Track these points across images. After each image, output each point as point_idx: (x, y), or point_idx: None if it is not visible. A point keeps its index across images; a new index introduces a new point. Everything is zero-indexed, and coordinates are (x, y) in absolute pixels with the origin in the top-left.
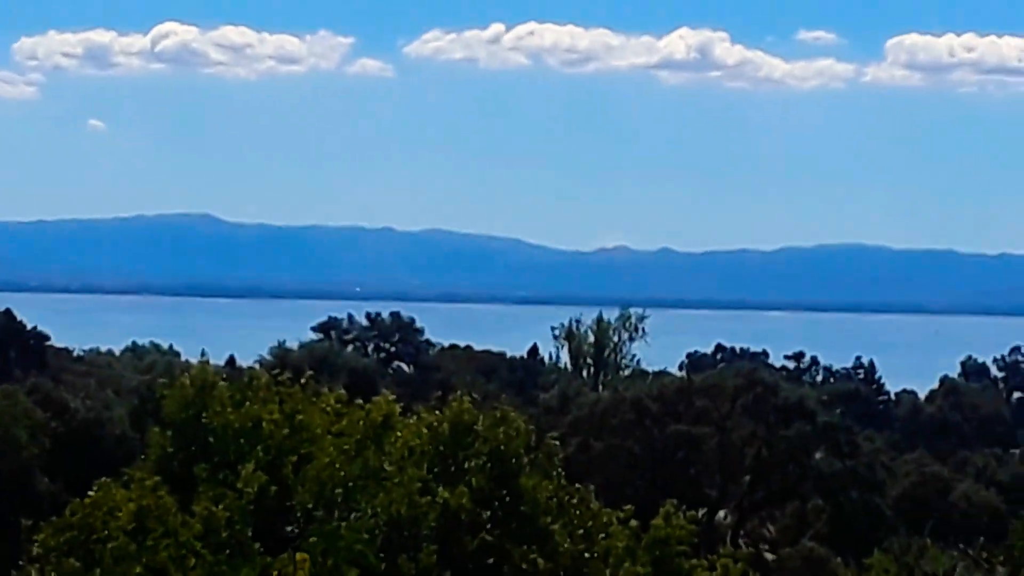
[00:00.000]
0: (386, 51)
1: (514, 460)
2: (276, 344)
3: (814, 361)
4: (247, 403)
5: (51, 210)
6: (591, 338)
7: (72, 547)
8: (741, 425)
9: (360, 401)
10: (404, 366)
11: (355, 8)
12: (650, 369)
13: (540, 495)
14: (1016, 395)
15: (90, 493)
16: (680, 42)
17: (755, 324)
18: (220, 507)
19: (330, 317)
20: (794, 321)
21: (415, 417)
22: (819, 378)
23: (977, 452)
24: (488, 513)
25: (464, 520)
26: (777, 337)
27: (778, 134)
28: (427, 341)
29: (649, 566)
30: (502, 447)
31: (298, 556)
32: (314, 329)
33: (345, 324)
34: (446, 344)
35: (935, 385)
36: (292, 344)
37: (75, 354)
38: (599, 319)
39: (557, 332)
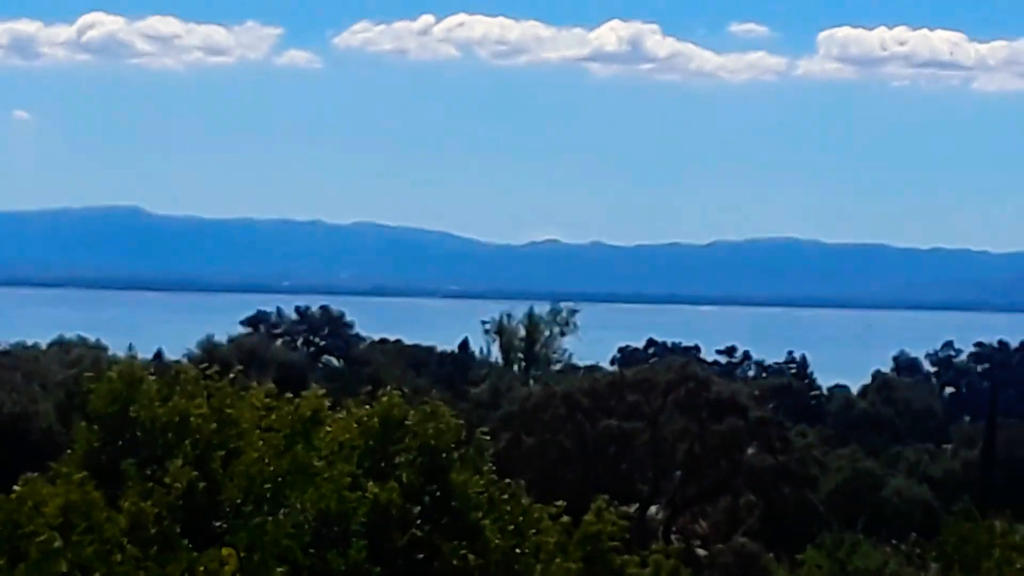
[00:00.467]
0: (315, 42)
1: (444, 455)
2: (204, 338)
3: (746, 356)
4: (175, 397)
5: None
6: (522, 332)
7: None
8: (673, 420)
9: (289, 395)
10: (334, 360)
11: None
12: (581, 363)
13: (470, 490)
14: (948, 390)
15: (16, 488)
16: (611, 34)
17: (687, 318)
18: (148, 502)
19: (259, 311)
20: (726, 315)
21: (344, 412)
22: (751, 373)
23: (910, 447)
24: (418, 508)
25: (394, 515)
26: (709, 331)
27: (710, 127)
28: (357, 335)
29: (580, 562)
30: (432, 442)
31: (224, 551)
32: (243, 323)
33: (274, 318)
34: (376, 338)
35: (867, 380)
36: (220, 338)
37: (0, 348)
38: (530, 313)
39: (488, 326)
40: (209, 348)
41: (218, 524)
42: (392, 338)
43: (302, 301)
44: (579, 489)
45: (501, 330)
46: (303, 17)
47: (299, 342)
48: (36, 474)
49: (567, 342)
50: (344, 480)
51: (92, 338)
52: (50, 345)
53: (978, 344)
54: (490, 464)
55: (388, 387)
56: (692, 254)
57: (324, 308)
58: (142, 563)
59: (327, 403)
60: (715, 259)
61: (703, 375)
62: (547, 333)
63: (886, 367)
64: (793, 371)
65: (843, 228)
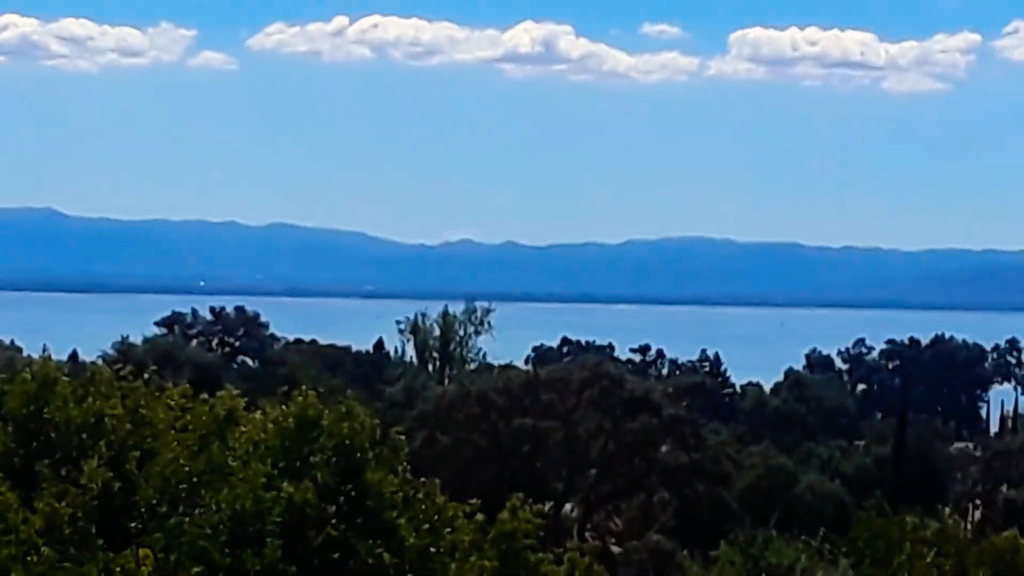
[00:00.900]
0: (229, 44)
1: (359, 454)
2: (119, 339)
3: (660, 354)
4: (89, 398)
5: None
6: (437, 332)
7: None
8: (587, 418)
9: (204, 396)
10: (249, 361)
11: (197, 1)
12: (496, 363)
13: (386, 489)
14: (860, 387)
15: None
16: (524, 35)
17: (601, 317)
18: (63, 503)
19: (174, 312)
20: (640, 314)
21: (260, 412)
22: (665, 371)
23: (822, 444)
24: (333, 508)
25: (309, 515)
26: (623, 330)
27: (623, 127)
28: (272, 335)
29: (495, 560)
30: (347, 441)
31: (141, 552)
32: (158, 324)
33: (189, 319)
34: (291, 338)
35: (780, 377)
36: (135, 339)
37: None
38: (445, 313)
39: (402, 326)
40: (124, 349)
41: (134, 524)
42: (307, 338)
43: (217, 302)
44: (494, 488)
45: (416, 330)
46: (217, 19)
47: (214, 343)
48: None
49: (482, 341)
50: (259, 480)
51: (7, 339)
52: None
53: (889, 341)
54: (405, 463)
55: (303, 387)
56: (605, 253)
57: (239, 309)
58: (58, 564)
59: (242, 403)
60: (628, 258)
61: (617, 373)
62: (462, 332)
63: (798, 365)
64: (706, 369)
65: (755, 227)
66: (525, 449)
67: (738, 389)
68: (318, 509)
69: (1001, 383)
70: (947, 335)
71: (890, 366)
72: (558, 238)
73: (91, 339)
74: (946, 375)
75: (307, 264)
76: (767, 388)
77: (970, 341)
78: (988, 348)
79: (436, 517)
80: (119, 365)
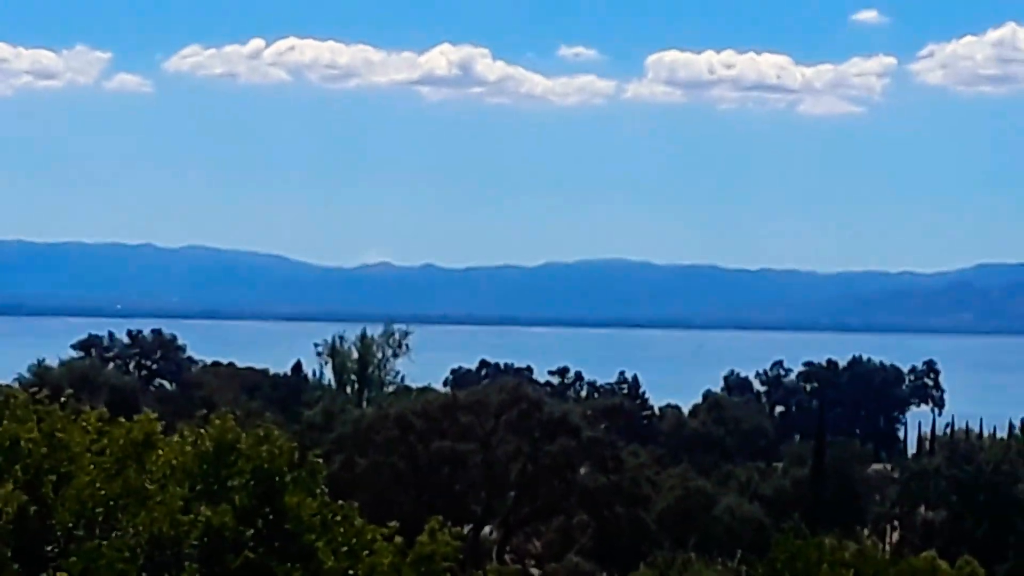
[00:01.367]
0: (145, 66)
1: (277, 478)
2: (35, 362)
3: (578, 376)
4: (5, 422)
5: None
6: (355, 355)
7: None
8: (506, 441)
9: (121, 419)
10: (166, 383)
11: (113, 23)
12: (414, 385)
13: (304, 512)
14: (778, 409)
15: None
16: (441, 58)
17: (519, 339)
18: None
19: (91, 335)
20: (558, 336)
21: (177, 435)
22: (583, 393)
23: (740, 466)
24: (251, 531)
25: (227, 538)
26: (541, 352)
27: (540, 150)
28: (189, 358)
29: None
30: (265, 465)
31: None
32: (74, 347)
33: (106, 342)
34: (209, 361)
35: (698, 399)
36: (52, 362)
37: None
38: (363, 335)
39: (321, 349)
40: (40, 372)
41: (50, 548)
42: (225, 361)
43: (134, 325)
44: (413, 510)
45: (334, 352)
46: (133, 41)
47: (131, 366)
48: None
49: (400, 364)
50: (177, 503)
51: None
52: None
53: (807, 364)
54: (323, 486)
55: (221, 410)
56: (523, 276)
57: (156, 332)
58: None
59: (159, 427)
60: (546, 280)
61: (535, 396)
62: (380, 355)
63: (717, 387)
64: (625, 391)
65: (673, 249)
66: (444, 472)
67: (656, 411)
68: (236, 532)
69: (918, 405)
70: (864, 357)
71: (808, 388)
72: (476, 261)
73: (6, 362)
74: (864, 397)
75: (224, 286)
76: (685, 410)
77: (887, 363)
78: (905, 370)
79: (354, 540)
80: (35, 388)
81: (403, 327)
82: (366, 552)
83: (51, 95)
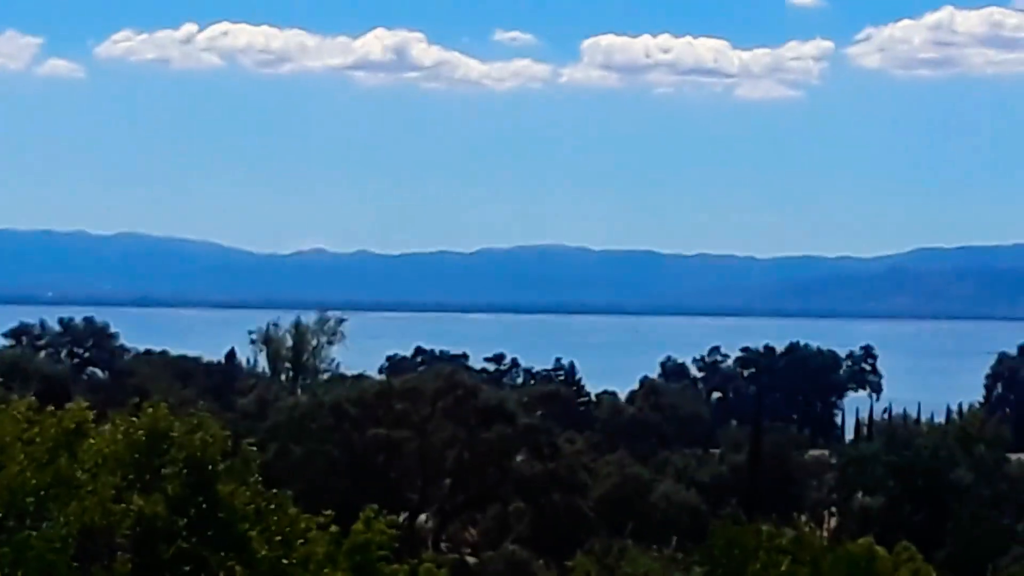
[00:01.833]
0: (76, 52)
1: (210, 467)
2: None
3: (514, 363)
4: None
5: None
6: (289, 342)
7: None
8: (441, 428)
9: (52, 408)
10: (98, 372)
11: (43, 8)
12: (349, 373)
13: (237, 501)
14: (715, 395)
15: None
16: (376, 43)
17: (454, 326)
18: None
19: (21, 323)
20: (494, 323)
21: (109, 424)
22: (519, 380)
23: (677, 452)
24: (184, 520)
25: (160, 528)
26: (477, 339)
27: (476, 135)
28: (122, 346)
29: (349, 572)
30: (198, 454)
31: None
32: (5, 335)
33: (37, 330)
34: (141, 349)
35: (635, 386)
36: None
37: None
38: (297, 323)
39: (254, 336)
40: None
41: None
42: (158, 349)
43: (65, 312)
44: (348, 498)
45: (268, 340)
46: (64, 26)
47: (63, 354)
48: None
49: (334, 351)
50: (108, 493)
51: None
52: None
53: (744, 349)
54: (257, 475)
55: (154, 399)
56: (459, 262)
57: (88, 319)
58: None
59: (91, 415)
60: (482, 267)
61: (471, 383)
62: (314, 342)
63: (653, 373)
64: (561, 378)
65: (610, 235)
66: (379, 459)
67: (593, 398)
68: (169, 522)
69: (856, 390)
70: (802, 343)
71: (745, 374)
72: (411, 247)
73: None
74: (801, 383)
75: (157, 274)
76: (622, 396)
77: (824, 348)
78: (843, 355)
79: (288, 529)
80: None
81: (338, 314)
82: (300, 541)
83: None
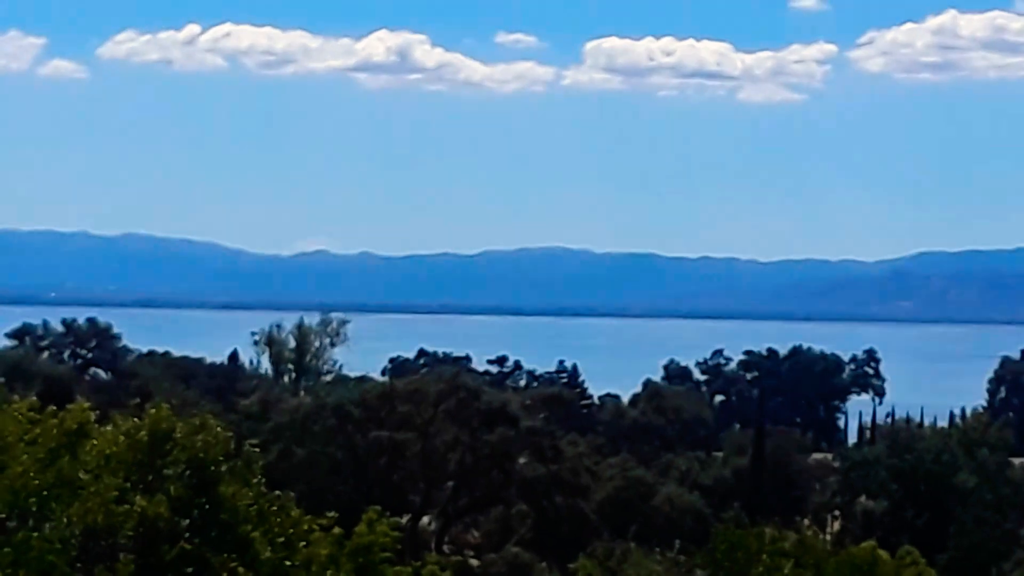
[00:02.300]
0: (79, 52)
1: (213, 468)
2: None
3: (517, 365)
4: None
5: None
6: (292, 343)
7: None
8: (444, 430)
9: (55, 408)
10: (101, 372)
11: (46, 8)
12: (352, 374)
13: (240, 503)
14: (718, 398)
15: None
16: (379, 44)
17: (457, 328)
18: None
19: (24, 323)
20: (497, 325)
21: (112, 425)
22: (522, 382)
23: (680, 455)
24: (187, 521)
25: (162, 529)
26: (480, 341)
27: (479, 137)
28: (124, 347)
29: (352, 574)
30: (201, 455)
31: None
32: (8, 335)
33: (40, 330)
34: (144, 350)
35: (638, 389)
36: None
37: None
38: (300, 324)
39: (257, 337)
40: None
41: None
42: (160, 350)
43: (69, 313)
44: (351, 500)
45: (271, 341)
46: (67, 27)
47: (66, 355)
48: None
49: (337, 353)
50: (111, 494)
51: None
52: None
53: (747, 352)
54: (260, 476)
55: (156, 399)
56: (462, 264)
57: (91, 320)
58: None
59: (93, 416)
60: (485, 269)
61: (474, 385)
62: (317, 344)
63: (656, 376)
64: (564, 380)
65: (613, 237)
66: (382, 461)
67: (596, 400)
68: (171, 523)
69: (859, 394)
70: (805, 346)
71: (748, 377)
72: (414, 249)
73: None
74: (804, 386)
75: (160, 275)
76: (625, 399)
77: (827, 352)
78: (845, 359)
79: (291, 530)
80: None
81: (340, 316)
82: (303, 543)
83: None
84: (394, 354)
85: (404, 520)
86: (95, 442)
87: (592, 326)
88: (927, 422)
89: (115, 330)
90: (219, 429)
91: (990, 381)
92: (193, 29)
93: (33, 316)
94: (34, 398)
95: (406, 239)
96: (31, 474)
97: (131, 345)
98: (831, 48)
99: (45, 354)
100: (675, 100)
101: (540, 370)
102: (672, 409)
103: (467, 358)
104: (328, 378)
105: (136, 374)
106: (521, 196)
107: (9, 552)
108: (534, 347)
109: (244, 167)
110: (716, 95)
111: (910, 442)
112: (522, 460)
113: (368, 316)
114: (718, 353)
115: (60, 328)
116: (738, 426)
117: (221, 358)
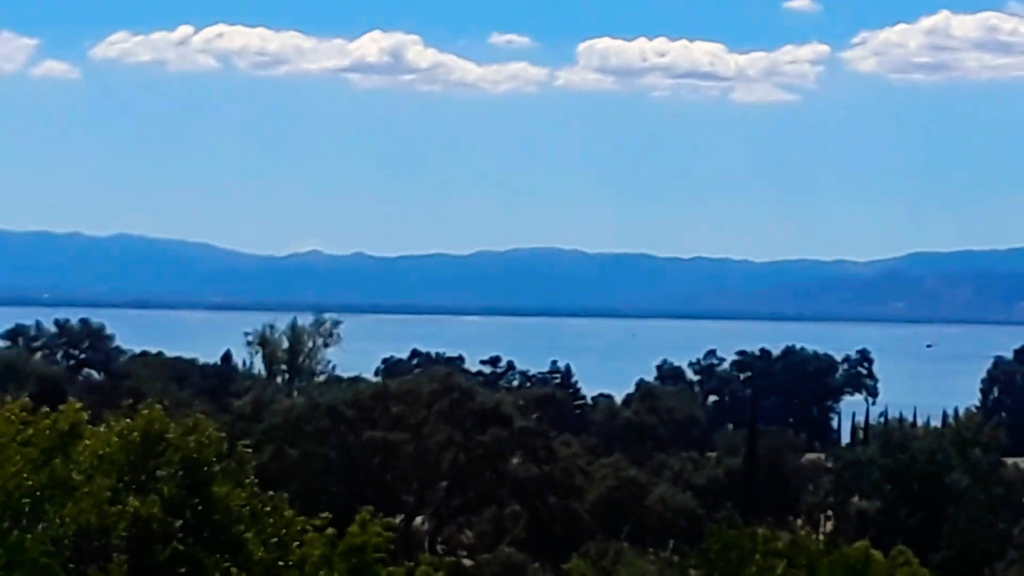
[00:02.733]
0: (72, 53)
1: (206, 468)
2: None
3: (510, 366)
4: None
5: None
6: (285, 344)
7: None
8: (437, 431)
9: (47, 409)
10: (94, 373)
11: (39, 9)
12: (345, 375)
13: (233, 503)
14: (712, 398)
15: None
16: (372, 45)
17: (450, 329)
18: None
19: (17, 324)
20: (490, 325)
21: (105, 425)
22: (515, 383)
23: (674, 455)
24: (180, 522)
25: (155, 529)
26: (473, 342)
27: (472, 137)
28: (117, 348)
29: (345, 574)
30: (194, 455)
31: None
32: (1, 336)
33: (33, 331)
34: (137, 351)
35: (631, 389)
36: None
37: None
38: (293, 325)
39: (251, 338)
40: None
41: None
42: (153, 351)
43: (61, 314)
44: (344, 501)
45: (264, 342)
46: (60, 28)
47: (59, 355)
48: None
49: (330, 353)
50: (104, 494)
51: None
52: None
53: (740, 352)
54: (253, 477)
55: (149, 400)
56: (454, 264)
57: (84, 321)
58: None
59: (86, 416)
60: (477, 269)
61: (467, 385)
62: (310, 344)
63: (650, 376)
64: (557, 381)
65: (605, 238)
66: (375, 462)
67: (589, 401)
68: (164, 523)
69: (852, 394)
70: (798, 346)
71: (741, 377)
72: (407, 249)
73: None
74: (797, 386)
75: (153, 275)
76: (618, 399)
77: (820, 352)
78: (839, 359)
79: (284, 531)
80: None
81: (333, 316)
82: (296, 543)
83: None
84: (387, 355)
85: (397, 520)
86: (88, 443)
87: (585, 326)
88: (920, 422)
89: (108, 331)
90: (212, 430)
91: (983, 381)
92: (186, 30)
93: (26, 317)
94: (27, 399)
95: (399, 240)
96: (24, 475)
97: (124, 346)
98: (824, 49)
99: (38, 355)
100: (668, 100)
101: (533, 370)
102: (665, 409)
103: (460, 358)
104: (321, 379)
105: (129, 375)
106: (514, 196)
107: (3, 553)
108: (527, 347)
109: (237, 168)
110: (709, 95)
111: (903, 442)
112: (515, 460)
113: (361, 317)
114: (711, 353)
115: (53, 329)
116: (731, 426)
117: (214, 359)
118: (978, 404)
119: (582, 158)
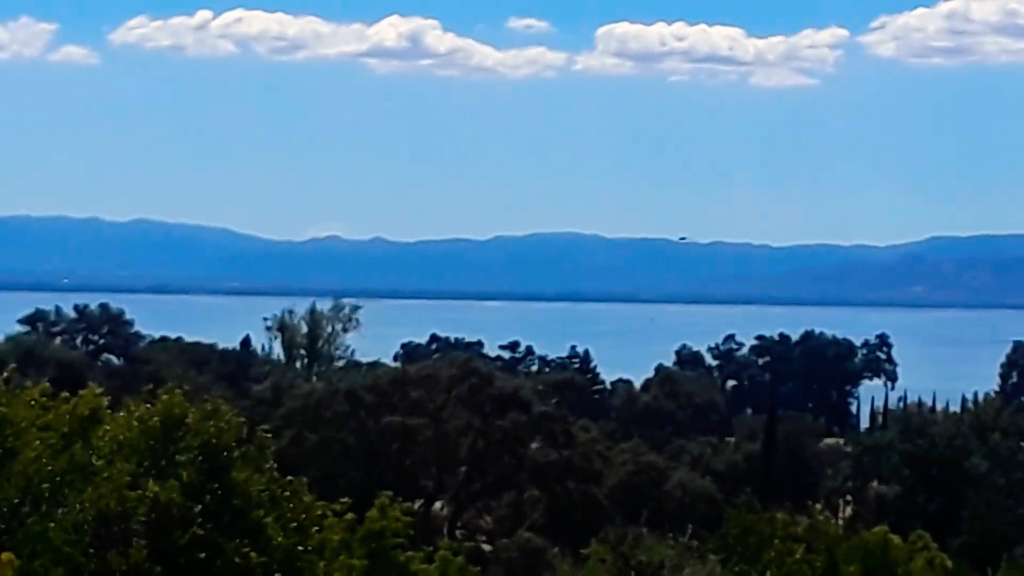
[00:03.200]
0: (91, 38)
1: (225, 453)
2: None
3: (529, 351)
4: None
5: None
6: (304, 329)
7: None
8: (456, 416)
9: (67, 394)
10: (113, 358)
11: None
12: (364, 360)
13: (252, 488)
14: (731, 383)
15: None
16: (391, 30)
17: (470, 314)
18: None
19: (37, 309)
20: (509, 310)
21: (124, 410)
22: (534, 368)
23: (692, 440)
24: (199, 507)
25: (175, 514)
26: (492, 327)
27: (491, 122)
28: (137, 333)
29: (365, 559)
30: (213, 440)
31: (4, 556)
32: (20, 321)
33: (52, 316)
34: (156, 336)
35: (650, 374)
36: None
37: None
38: (312, 310)
39: (270, 323)
40: None
41: None
42: (173, 336)
43: (81, 299)
44: (363, 486)
45: (283, 327)
46: (79, 13)
47: (78, 340)
48: None
49: (350, 338)
50: (124, 479)
51: None
52: None
53: (759, 337)
54: (272, 462)
55: (169, 385)
56: (474, 249)
57: (103, 306)
58: None
59: (106, 402)
60: (497, 254)
61: (486, 370)
62: (329, 329)
63: (668, 361)
64: (576, 366)
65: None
66: (394, 447)
67: (608, 386)
68: (184, 508)
69: (871, 379)
70: (817, 331)
71: (760, 362)
72: (426, 234)
73: None
74: (816, 371)
75: (172, 260)
76: (637, 385)
77: (840, 337)
78: (858, 344)
79: (304, 516)
80: None
81: (352, 301)
82: (315, 528)
83: None
84: (406, 340)
85: (416, 505)
86: (108, 428)
87: (604, 311)
88: (939, 407)
89: (127, 316)
90: (231, 415)
91: (1002, 366)
92: (205, 15)
93: (45, 302)
94: (47, 384)
95: (418, 225)
96: (44, 460)
97: (143, 331)
98: (843, 33)
99: (57, 340)
100: (687, 85)
101: (552, 355)
102: (684, 394)
103: (479, 343)
104: (340, 364)
105: (148, 360)
106: (533, 182)
107: (24, 540)
108: (546, 333)
109: (256, 153)
110: (728, 80)
111: (922, 427)
112: (534, 445)
113: (380, 302)
114: (730, 338)
115: (72, 314)
116: (750, 411)
117: (233, 344)
118: (997, 389)
119: (601, 143)
